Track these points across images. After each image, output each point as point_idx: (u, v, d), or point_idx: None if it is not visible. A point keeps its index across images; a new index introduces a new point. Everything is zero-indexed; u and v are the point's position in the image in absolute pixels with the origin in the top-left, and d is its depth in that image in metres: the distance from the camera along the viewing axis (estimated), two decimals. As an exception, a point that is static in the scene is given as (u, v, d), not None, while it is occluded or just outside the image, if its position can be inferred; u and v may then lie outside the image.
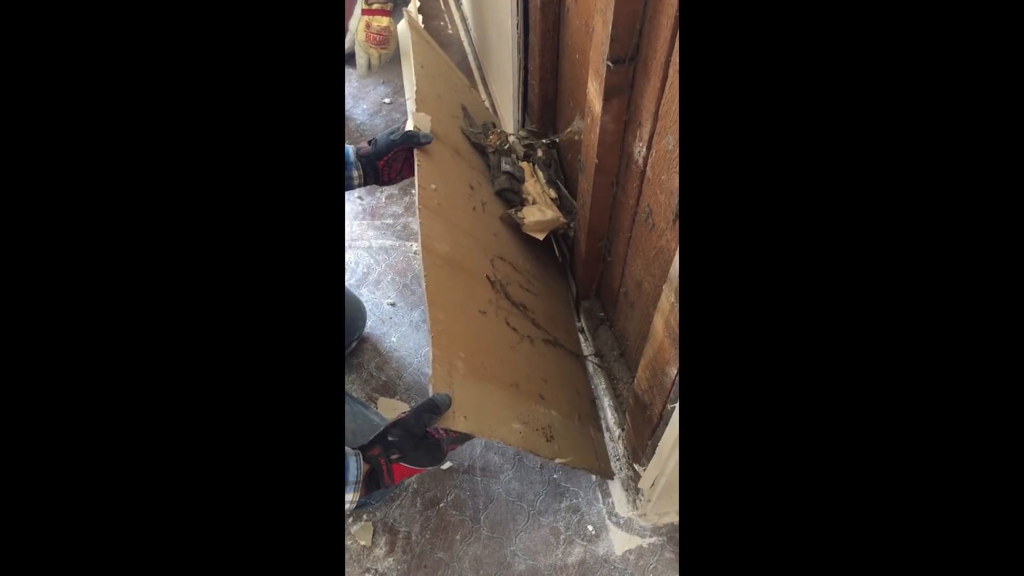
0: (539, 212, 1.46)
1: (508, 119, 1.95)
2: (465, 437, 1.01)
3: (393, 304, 1.68)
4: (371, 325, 1.62)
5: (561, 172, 1.62)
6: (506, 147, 1.48)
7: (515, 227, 1.45)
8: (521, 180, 1.42)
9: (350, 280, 1.74)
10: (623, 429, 1.38)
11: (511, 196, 1.44)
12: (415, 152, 1.22)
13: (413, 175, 1.21)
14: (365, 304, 1.60)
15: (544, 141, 1.62)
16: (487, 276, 1.25)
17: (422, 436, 0.95)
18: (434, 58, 1.55)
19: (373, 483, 0.94)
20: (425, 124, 1.26)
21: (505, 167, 1.43)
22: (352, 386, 1.52)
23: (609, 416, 1.42)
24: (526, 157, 1.57)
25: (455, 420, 0.94)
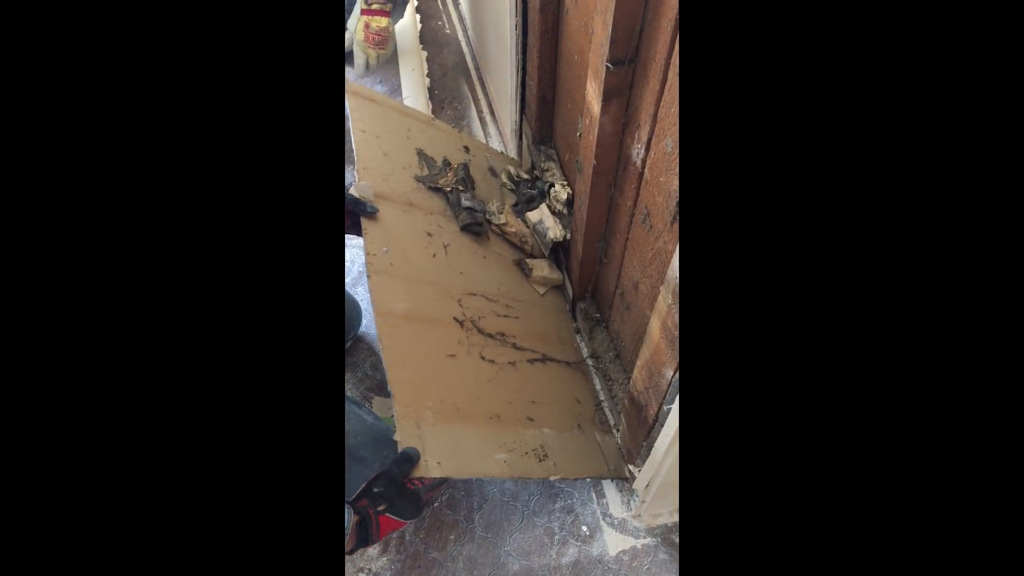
0: (548, 270, 1.57)
1: (506, 119, 1.95)
2: (442, 481, 1.04)
3: (389, 303, 1.67)
4: (367, 324, 1.61)
5: (563, 173, 1.63)
6: (460, 188, 1.54)
7: (502, 259, 1.53)
8: (483, 212, 1.50)
9: (346, 279, 1.73)
10: (618, 430, 1.39)
11: (477, 229, 1.49)
12: (361, 219, 1.25)
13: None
14: (360, 303, 1.60)
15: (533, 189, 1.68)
16: (454, 318, 1.28)
17: (403, 487, 0.97)
18: (379, 114, 1.58)
19: (363, 534, 0.93)
20: (368, 193, 1.30)
21: (465, 203, 1.49)
22: (347, 385, 1.52)
23: (608, 417, 1.43)
24: (528, 195, 1.65)
25: (428, 468, 0.98)
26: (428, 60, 2.37)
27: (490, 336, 1.32)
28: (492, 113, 2.15)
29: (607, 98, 1.08)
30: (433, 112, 2.16)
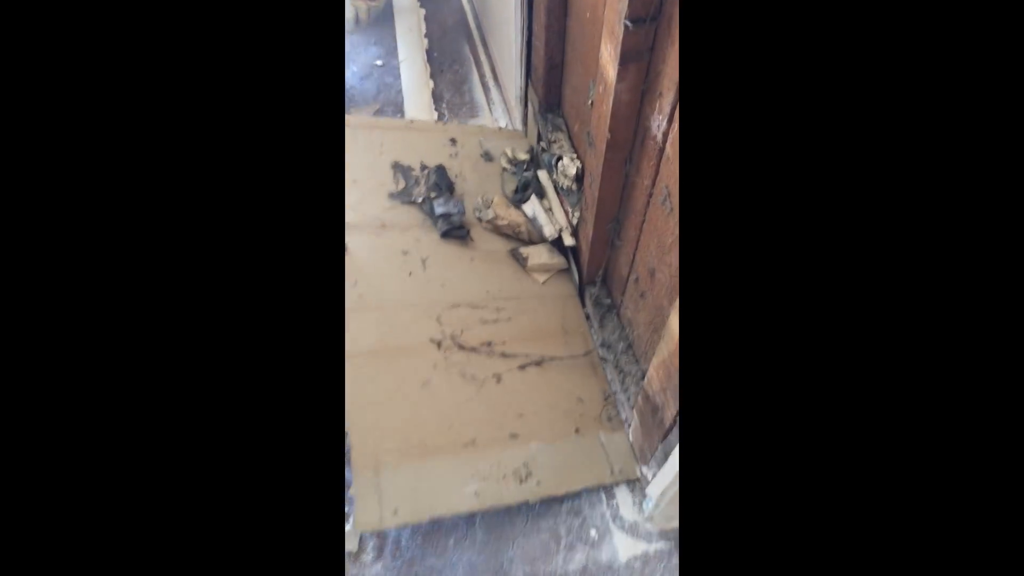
0: (547, 255, 1.46)
1: (510, 85, 1.80)
2: None
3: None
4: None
5: (572, 146, 1.49)
6: (432, 195, 1.48)
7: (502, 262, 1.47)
8: (461, 214, 1.46)
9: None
10: (629, 425, 1.29)
11: (458, 233, 1.46)
12: None
13: None
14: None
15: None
16: (431, 339, 1.26)
17: None
18: (347, 138, 1.57)
19: None
20: None
21: (439, 210, 1.45)
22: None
23: (619, 412, 1.33)
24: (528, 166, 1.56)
25: (383, 519, 0.96)
26: (426, 19, 2.21)
27: (472, 350, 1.28)
28: (495, 77, 2.00)
29: (624, 62, 0.94)
30: (432, 76, 2.01)
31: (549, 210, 1.49)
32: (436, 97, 1.95)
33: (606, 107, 1.05)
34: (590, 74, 1.27)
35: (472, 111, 1.91)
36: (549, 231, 1.45)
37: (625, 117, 1.04)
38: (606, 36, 0.98)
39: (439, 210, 1.45)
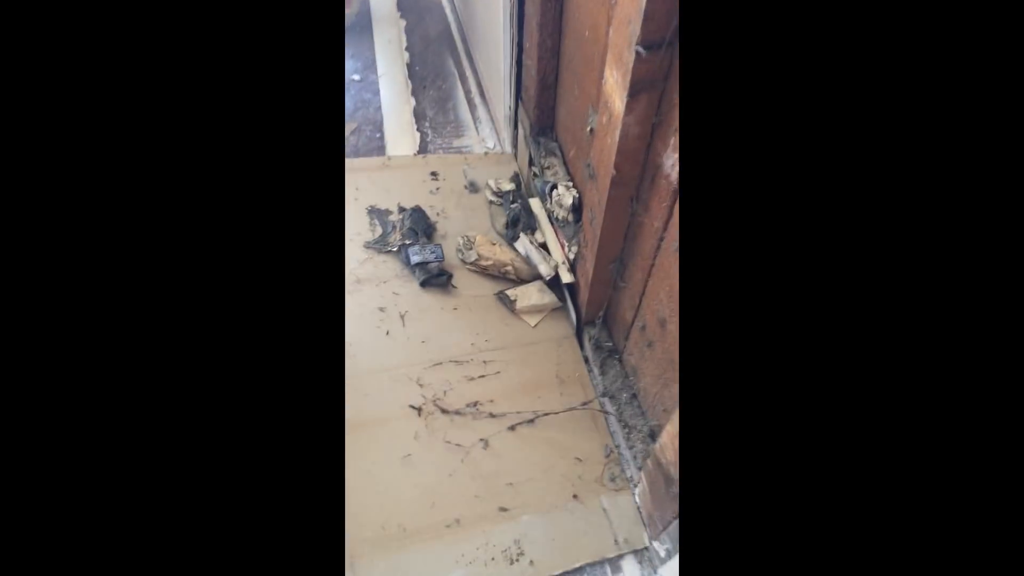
0: (538, 295, 1.35)
1: (498, 103, 1.68)
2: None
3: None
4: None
5: (567, 172, 1.37)
6: (407, 242, 1.37)
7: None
8: (439, 261, 1.36)
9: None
10: (636, 486, 1.16)
11: (437, 282, 1.35)
12: None
13: None
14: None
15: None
16: (411, 405, 1.16)
17: None
18: None
19: None
20: None
21: (414, 259, 1.35)
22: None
23: (622, 470, 1.20)
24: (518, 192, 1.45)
25: None
26: (407, 30, 2.07)
27: (457, 413, 1.18)
28: (482, 94, 1.87)
29: (635, 93, 0.82)
30: (413, 93, 1.88)
31: (543, 245, 1.36)
32: (418, 115, 1.81)
33: (611, 140, 0.92)
34: (589, 98, 1.15)
35: (457, 130, 1.78)
36: (545, 269, 1.33)
37: (633, 151, 0.91)
38: (612, 62, 0.85)
39: (414, 259, 1.34)
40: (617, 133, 0.89)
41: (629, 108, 0.84)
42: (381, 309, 1.28)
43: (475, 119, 1.82)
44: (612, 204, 1.02)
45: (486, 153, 1.63)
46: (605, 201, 1.01)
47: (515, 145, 1.61)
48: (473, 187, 1.51)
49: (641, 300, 1.09)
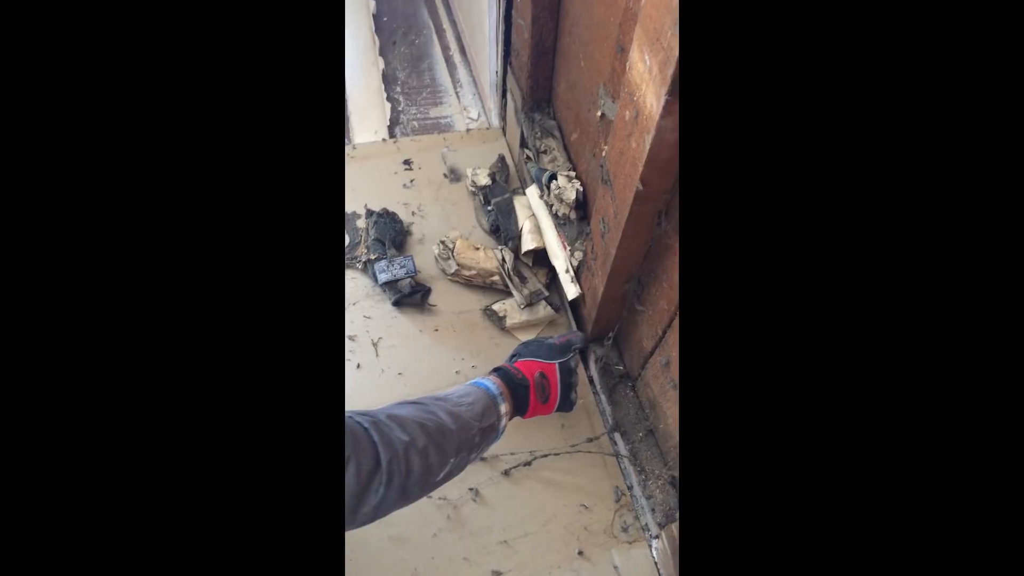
0: (528, 310, 1.14)
1: (482, 65, 1.41)
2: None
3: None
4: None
5: (568, 158, 1.13)
6: (373, 257, 1.15)
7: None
8: (411, 275, 1.13)
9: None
10: (654, 538, 0.99)
11: (411, 301, 1.13)
12: None
13: None
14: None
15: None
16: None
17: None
18: None
19: (520, 393, 0.88)
20: None
21: (382, 277, 1.12)
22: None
23: (636, 519, 1.03)
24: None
25: None
26: (373, -28, 1.76)
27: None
28: (463, 51, 1.59)
29: (676, 88, 0.59)
30: (381, 51, 1.59)
31: (527, 256, 1.14)
32: (388, 79, 1.54)
33: (637, 145, 0.69)
34: (600, 75, 0.91)
35: (435, 97, 1.52)
36: (533, 285, 1.12)
37: (667, 163, 0.69)
38: (644, 41, 0.61)
39: (382, 277, 1.11)
40: (648, 139, 0.66)
41: (669, 109, 0.61)
42: (352, 338, 1.08)
43: (455, 82, 1.55)
44: (634, 220, 0.80)
45: (468, 130, 1.37)
46: (625, 216, 0.79)
47: (503, 117, 1.36)
48: (454, 175, 1.27)
49: (665, 333, 0.89)
